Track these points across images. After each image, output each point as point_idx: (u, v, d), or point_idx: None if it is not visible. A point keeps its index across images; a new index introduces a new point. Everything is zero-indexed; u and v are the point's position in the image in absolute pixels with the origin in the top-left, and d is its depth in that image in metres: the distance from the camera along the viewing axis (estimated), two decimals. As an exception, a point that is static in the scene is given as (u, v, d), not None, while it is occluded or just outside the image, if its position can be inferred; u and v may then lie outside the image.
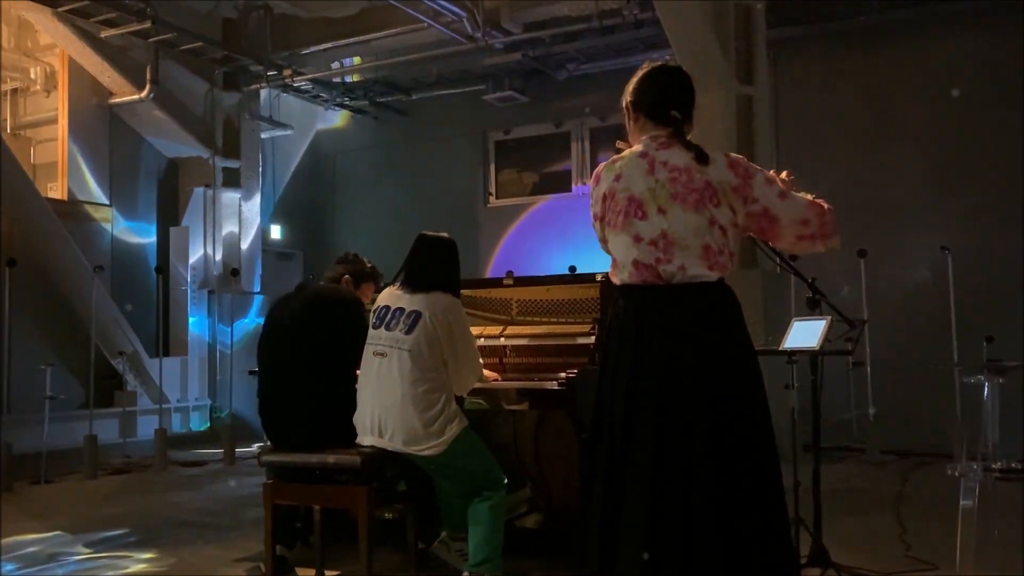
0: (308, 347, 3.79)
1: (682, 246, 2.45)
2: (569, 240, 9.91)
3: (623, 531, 2.42)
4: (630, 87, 2.65)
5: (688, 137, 2.59)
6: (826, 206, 2.59)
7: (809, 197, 2.59)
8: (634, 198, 2.51)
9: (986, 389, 3.42)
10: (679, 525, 2.37)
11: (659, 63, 2.67)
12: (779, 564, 2.48)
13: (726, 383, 2.44)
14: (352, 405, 3.63)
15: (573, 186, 10.25)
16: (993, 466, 3.18)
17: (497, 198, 10.74)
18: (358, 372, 3.71)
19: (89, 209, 9.19)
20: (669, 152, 2.53)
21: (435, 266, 3.66)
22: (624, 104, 2.67)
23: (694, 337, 2.45)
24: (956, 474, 5.67)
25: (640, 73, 2.65)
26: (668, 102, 2.59)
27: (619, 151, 2.66)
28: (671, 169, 2.50)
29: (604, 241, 2.65)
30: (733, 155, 2.57)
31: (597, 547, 2.47)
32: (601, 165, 2.64)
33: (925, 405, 7.62)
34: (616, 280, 2.60)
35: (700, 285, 2.47)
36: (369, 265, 4.26)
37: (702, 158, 2.50)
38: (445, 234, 3.78)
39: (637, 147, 2.60)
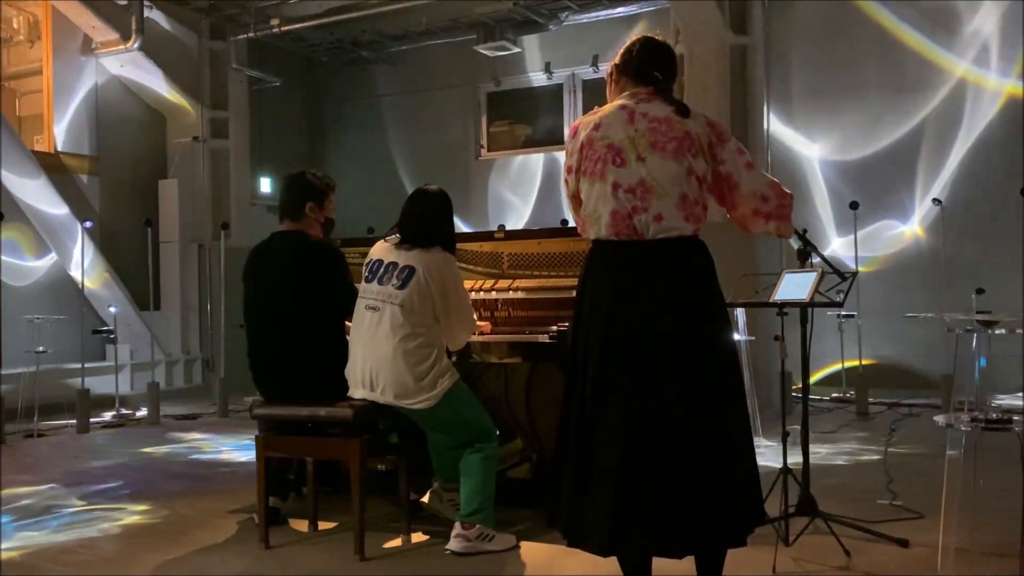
0: (294, 302, 3.78)
1: (660, 194, 2.48)
2: (561, 193, 9.87)
3: (593, 485, 2.45)
4: (618, 54, 2.74)
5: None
6: (787, 191, 2.64)
7: (774, 179, 2.66)
8: (613, 145, 2.54)
9: (974, 341, 3.44)
10: (649, 479, 2.40)
11: (649, 34, 2.77)
12: (746, 514, 2.53)
13: (698, 340, 2.48)
14: (343, 358, 3.64)
15: (565, 138, 10.16)
16: (980, 417, 3.21)
17: (489, 151, 10.66)
18: (348, 324, 3.72)
19: (76, 161, 9.10)
20: (649, 105, 2.59)
21: (429, 221, 3.64)
22: (608, 70, 2.77)
23: (667, 295, 2.48)
24: (943, 425, 5.74)
25: (628, 42, 2.74)
26: (651, 65, 2.66)
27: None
28: (651, 119, 2.54)
29: (574, 196, 2.68)
30: (712, 117, 2.66)
31: (568, 502, 2.50)
32: (579, 119, 2.70)
33: (914, 357, 7.68)
34: (590, 234, 2.62)
35: (674, 240, 2.50)
36: (319, 175, 4.07)
37: (683, 111, 2.56)
38: (440, 188, 3.76)
39: (618, 100, 2.65)
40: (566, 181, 2.69)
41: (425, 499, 3.82)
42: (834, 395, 7.53)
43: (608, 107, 2.64)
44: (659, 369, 2.44)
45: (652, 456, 2.41)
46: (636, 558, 2.54)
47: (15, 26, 9.56)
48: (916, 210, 8.00)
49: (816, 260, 3.64)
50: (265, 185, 10.91)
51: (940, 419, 6.21)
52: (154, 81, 9.46)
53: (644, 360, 2.44)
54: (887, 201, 8.07)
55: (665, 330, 2.45)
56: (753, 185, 2.58)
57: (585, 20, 9.53)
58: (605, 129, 2.56)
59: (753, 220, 2.62)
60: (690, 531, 2.42)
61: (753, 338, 5.98)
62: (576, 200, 2.66)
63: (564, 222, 9.20)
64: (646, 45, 2.70)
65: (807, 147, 8.40)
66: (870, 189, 7.97)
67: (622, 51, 2.72)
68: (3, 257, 8.03)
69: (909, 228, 8.05)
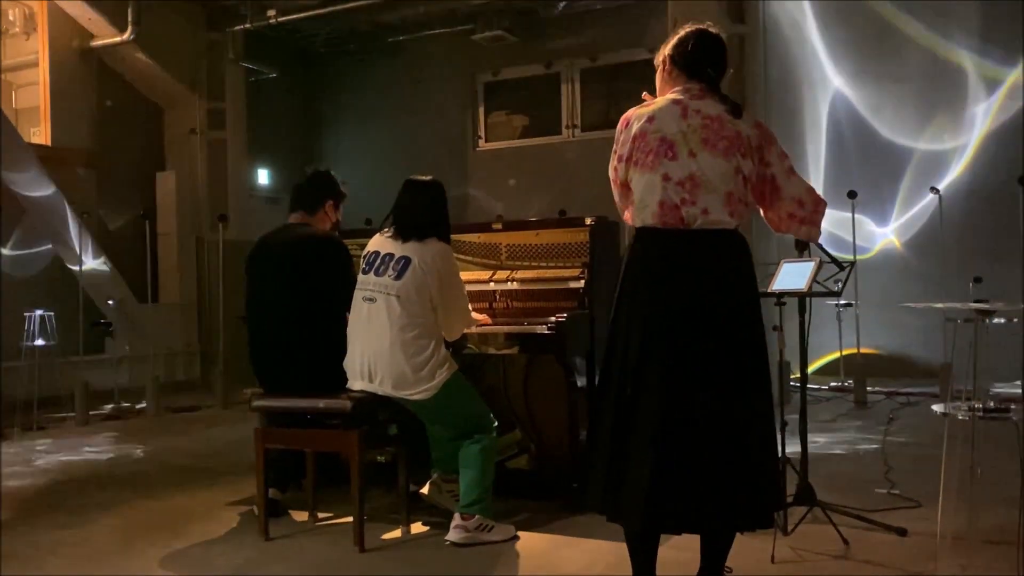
0: (297, 293, 3.79)
1: (708, 189, 2.54)
2: (559, 184, 9.86)
3: (630, 470, 2.50)
4: (670, 43, 2.73)
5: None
6: (821, 197, 2.73)
7: (810, 185, 2.73)
8: (666, 139, 2.57)
9: (972, 330, 3.44)
10: (681, 464, 2.46)
11: (703, 26, 2.75)
12: (768, 502, 2.59)
13: (735, 329, 2.54)
14: (342, 350, 3.64)
15: (563, 129, 10.15)
16: (978, 406, 3.22)
17: (487, 141, 10.64)
18: (348, 316, 3.72)
19: (73, 154, 9.07)
20: (702, 102, 2.62)
21: (424, 212, 3.63)
22: (660, 59, 2.75)
23: (708, 282, 2.54)
24: (941, 414, 5.75)
25: (683, 32, 2.73)
26: (706, 61, 2.67)
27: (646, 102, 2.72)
28: (704, 116, 2.58)
29: (623, 184, 2.69)
30: (759, 119, 2.72)
31: (603, 486, 2.55)
32: (631, 110, 2.70)
33: (912, 346, 7.69)
34: (636, 222, 2.67)
35: (718, 232, 2.56)
36: (340, 179, 4.19)
37: (736, 111, 2.60)
38: (432, 178, 3.75)
39: (671, 95, 2.67)
40: (615, 169, 2.70)
41: (424, 490, 3.83)
42: (832, 384, 7.54)
43: (661, 100, 2.66)
44: (694, 356, 2.50)
45: (680, 440, 2.46)
46: (669, 531, 2.63)
47: (11, 18, 9.51)
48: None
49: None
50: (263, 177, 10.88)
51: (938, 408, 6.24)
52: (151, 73, 9.42)
53: (679, 346, 2.50)
54: (885, 189, 8.06)
55: (704, 316, 2.51)
56: (793, 191, 2.66)
57: (583, 9, 9.50)
58: (658, 123, 2.59)
59: (788, 223, 2.71)
60: (709, 514, 2.48)
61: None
62: (625, 188, 2.70)
63: (562, 212, 9.19)
64: (701, 39, 2.69)
65: (805, 142, 8.39)
66: (868, 178, 7.96)
67: (675, 42, 2.71)
68: (9, 250, 8.04)
69: (907, 217, 8.05)
